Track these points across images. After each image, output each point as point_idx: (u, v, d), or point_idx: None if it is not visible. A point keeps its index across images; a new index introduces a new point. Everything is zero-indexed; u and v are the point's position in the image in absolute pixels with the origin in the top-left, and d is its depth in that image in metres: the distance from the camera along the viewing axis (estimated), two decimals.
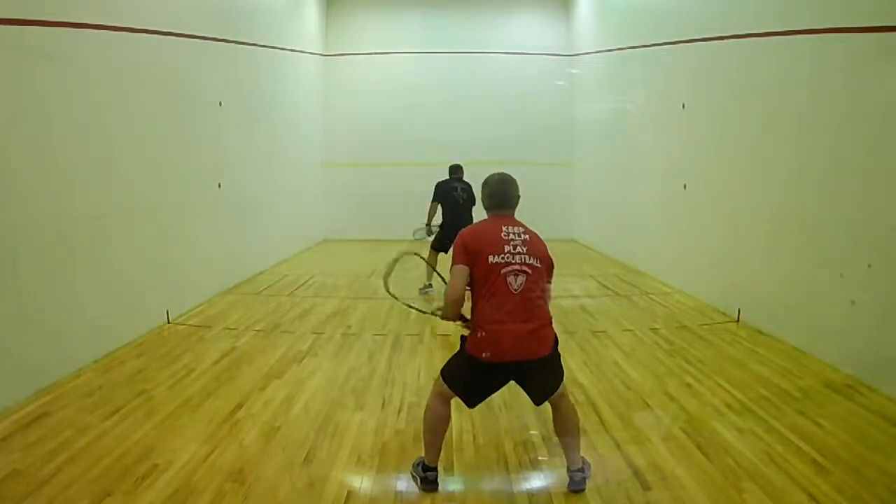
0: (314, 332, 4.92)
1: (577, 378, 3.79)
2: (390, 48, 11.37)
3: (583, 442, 2.92)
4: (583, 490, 2.47)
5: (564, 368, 2.53)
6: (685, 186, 6.40)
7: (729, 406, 3.33)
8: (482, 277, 2.36)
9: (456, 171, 6.61)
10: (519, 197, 2.56)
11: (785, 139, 4.57)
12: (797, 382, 3.67)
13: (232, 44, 6.66)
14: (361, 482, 2.58)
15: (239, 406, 3.36)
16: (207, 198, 6.11)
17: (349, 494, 2.48)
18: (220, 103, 6.35)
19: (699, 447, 2.83)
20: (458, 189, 6.39)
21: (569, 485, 2.50)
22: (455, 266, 2.39)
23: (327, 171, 11.30)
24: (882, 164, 3.56)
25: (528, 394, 2.52)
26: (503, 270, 2.33)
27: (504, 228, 2.42)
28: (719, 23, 5.51)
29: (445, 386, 2.48)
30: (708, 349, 4.40)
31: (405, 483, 2.59)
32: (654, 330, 4.95)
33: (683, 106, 6.39)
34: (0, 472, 2.55)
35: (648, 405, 3.40)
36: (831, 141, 4.03)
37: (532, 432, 3.05)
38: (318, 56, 10.85)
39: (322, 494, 2.47)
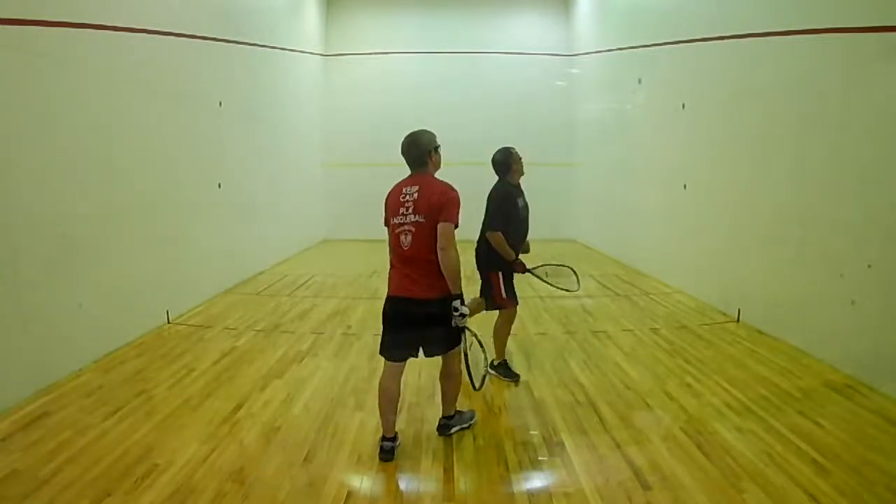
0: (314, 332, 4.92)
1: (578, 378, 3.78)
2: (390, 48, 11.36)
3: (583, 442, 2.94)
4: (448, 435, 2.96)
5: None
6: (685, 186, 6.40)
7: (729, 406, 3.33)
8: (389, 234, 2.84)
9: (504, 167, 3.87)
10: (423, 153, 2.78)
11: (785, 139, 4.57)
12: (797, 382, 3.67)
13: (232, 44, 6.65)
14: (361, 482, 2.59)
15: (239, 406, 3.36)
16: (207, 198, 6.11)
17: (349, 494, 2.48)
18: (220, 103, 6.34)
19: (699, 447, 2.84)
20: (522, 201, 3.88)
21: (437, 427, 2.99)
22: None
23: (327, 171, 11.29)
24: (882, 165, 3.56)
25: (422, 347, 2.85)
26: (396, 231, 2.77)
27: (403, 190, 2.78)
28: (719, 23, 5.50)
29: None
30: (708, 349, 4.40)
31: (405, 483, 2.60)
32: (654, 330, 4.95)
33: (683, 106, 6.39)
34: (0, 472, 2.56)
35: (648, 405, 3.40)
36: (831, 141, 4.02)
37: (532, 432, 3.05)
38: (318, 56, 10.84)
39: (322, 494, 2.47)
